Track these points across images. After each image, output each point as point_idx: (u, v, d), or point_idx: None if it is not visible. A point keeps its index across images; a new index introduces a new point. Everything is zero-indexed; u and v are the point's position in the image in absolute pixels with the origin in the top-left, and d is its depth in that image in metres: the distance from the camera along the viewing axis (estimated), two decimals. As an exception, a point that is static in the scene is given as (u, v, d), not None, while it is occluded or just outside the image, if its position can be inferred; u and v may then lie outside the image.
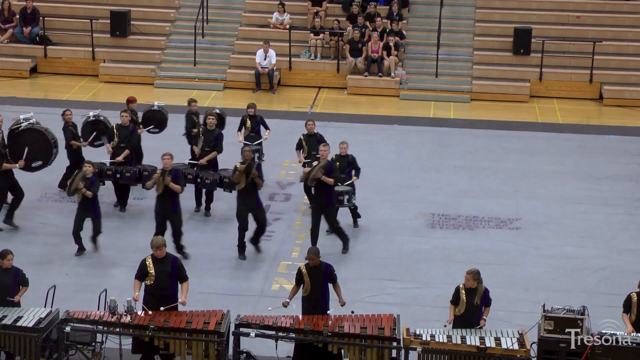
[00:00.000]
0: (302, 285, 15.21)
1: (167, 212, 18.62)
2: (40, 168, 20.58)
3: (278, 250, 19.47)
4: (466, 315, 14.69)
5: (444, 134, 26.78)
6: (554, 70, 30.71)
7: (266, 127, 22.50)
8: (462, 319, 14.72)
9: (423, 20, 32.65)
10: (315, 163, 19.17)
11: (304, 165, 20.70)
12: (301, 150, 21.17)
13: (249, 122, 22.36)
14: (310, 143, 21.09)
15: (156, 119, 22.71)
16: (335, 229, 19.27)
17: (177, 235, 18.77)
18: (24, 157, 19.85)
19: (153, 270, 14.92)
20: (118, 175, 20.78)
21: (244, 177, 18.70)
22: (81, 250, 18.82)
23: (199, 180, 20.68)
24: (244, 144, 21.37)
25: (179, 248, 18.75)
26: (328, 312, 15.07)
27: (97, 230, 18.93)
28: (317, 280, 15.12)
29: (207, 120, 21.21)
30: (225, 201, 20.96)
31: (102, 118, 21.95)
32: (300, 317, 14.91)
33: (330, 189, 18.95)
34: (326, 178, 18.76)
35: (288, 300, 15.20)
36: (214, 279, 18.22)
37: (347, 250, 19.30)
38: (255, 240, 19.17)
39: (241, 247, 19.04)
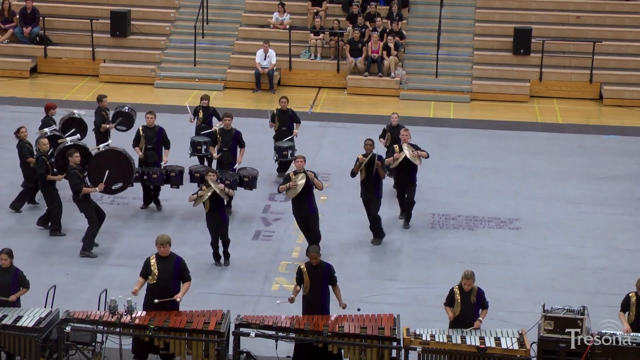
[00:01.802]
0: (302, 285, 15.21)
1: (305, 214, 18.71)
2: (120, 190, 19.95)
3: (278, 250, 19.47)
4: (461, 317, 14.71)
5: (444, 134, 26.78)
6: (554, 70, 30.71)
7: (219, 118, 22.52)
8: (458, 319, 14.74)
9: (423, 20, 32.66)
10: (406, 147, 20.01)
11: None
12: (274, 125, 22.44)
13: (201, 113, 22.65)
14: (282, 119, 22.45)
15: (76, 126, 22.32)
16: (413, 203, 20.33)
17: (315, 235, 18.85)
18: (104, 180, 19.24)
19: (156, 270, 14.93)
20: (145, 177, 20.67)
21: (365, 168, 19.15)
22: (218, 258, 18.81)
23: (218, 181, 20.51)
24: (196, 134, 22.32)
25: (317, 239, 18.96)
26: (330, 315, 15.05)
27: (225, 239, 18.71)
28: (316, 280, 15.12)
29: (224, 121, 21.16)
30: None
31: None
32: (300, 317, 14.91)
33: (414, 168, 20.05)
34: (421, 152, 20.09)
35: (293, 296, 15.19)
36: (214, 279, 18.23)
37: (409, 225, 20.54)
38: (374, 232, 19.76)
39: (377, 230, 19.73)
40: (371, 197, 19.49)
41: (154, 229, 19.85)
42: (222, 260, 18.78)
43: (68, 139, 20.80)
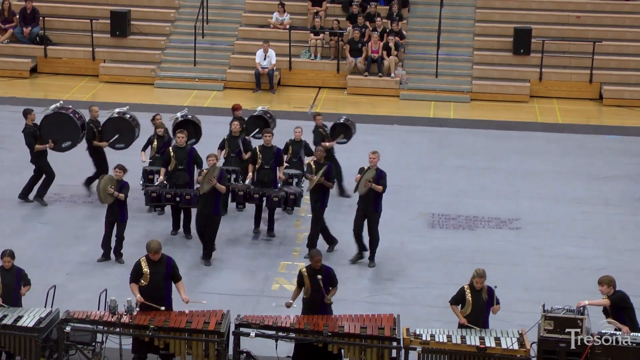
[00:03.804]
0: (302, 288, 15.21)
1: (206, 212, 18.45)
2: (70, 148, 21.43)
3: (278, 251, 19.47)
4: (472, 315, 14.71)
5: (444, 134, 26.79)
6: (554, 70, 30.72)
7: None
8: (469, 318, 14.73)
9: (423, 20, 32.66)
10: (366, 168, 18.62)
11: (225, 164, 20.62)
12: (222, 151, 20.92)
13: (155, 142, 20.91)
14: (232, 145, 20.83)
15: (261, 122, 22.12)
16: (376, 235, 18.76)
17: (210, 237, 18.67)
18: (53, 139, 20.96)
19: (148, 271, 14.92)
20: (178, 199, 19.38)
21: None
22: (106, 256, 18.68)
23: (265, 199, 19.73)
24: (148, 163, 20.81)
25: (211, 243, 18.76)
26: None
27: (120, 235, 18.61)
28: (318, 283, 15.11)
29: (265, 137, 20.05)
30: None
31: (190, 116, 21.97)
32: (301, 317, 14.92)
33: (378, 196, 18.60)
34: (375, 185, 18.42)
35: (291, 301, 15.19)
36: (214, 279, 18.23)
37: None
38: (327, 240, 19.35)
39: (329, 238, 19.25)
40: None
41: (155, 231, 19.92)
42: (112, 256, 18.68)
43: (178, 114, 21.85)
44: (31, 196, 21.31)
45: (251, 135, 21.81)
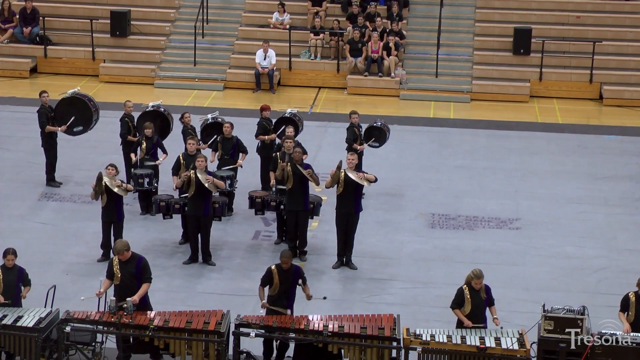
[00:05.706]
0: (269, 285, 15.24)
1: (199, 214, 18.32)
2: (80, 133, 22.11)
3: (278, 250, 19.43)
4: (472, 314, 14.72)
5: (444, 134, 26.78)
6: (554, 70, 30.72)
7: (164, 151, 20.88)
8: (469, 318, 14.72)
9: (423, 20, 32.66)
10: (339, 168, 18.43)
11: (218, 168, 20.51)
12: (216, 153, 20.79)
13: (144, 144, 20.63)
14: (225, 147, 20.66)
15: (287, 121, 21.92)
16: (352, 236, 18.70)
17: (206, 236, 18.65)
18: (67, 123, 21.59)
19: (119, 272, 14.94)
20: (187, 209, 18.74)
21: (292, 177, 18.48)
22: (106, 257, 18.44)
23: (282, 207, 19.24)
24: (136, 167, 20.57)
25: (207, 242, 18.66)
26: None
27: (119, 235, 18.35)
28: (286, 282, 15.18)
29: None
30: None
31: (221, 119, 21.52)
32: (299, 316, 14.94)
33: (359, 197, 18.53)
34: (368, 175, 18.32)
35: (265, 302, 15.12)
36: (214, 279, 18.23)
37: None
38: (300, 246, 19.07)
39: (303, 244, 19.00)
40: (300, 208, 18.70)
41: (152, 229, 19.93)
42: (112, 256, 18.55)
43: (209, 115, 21.76)
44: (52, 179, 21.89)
45: (277, 133, 21.53)
